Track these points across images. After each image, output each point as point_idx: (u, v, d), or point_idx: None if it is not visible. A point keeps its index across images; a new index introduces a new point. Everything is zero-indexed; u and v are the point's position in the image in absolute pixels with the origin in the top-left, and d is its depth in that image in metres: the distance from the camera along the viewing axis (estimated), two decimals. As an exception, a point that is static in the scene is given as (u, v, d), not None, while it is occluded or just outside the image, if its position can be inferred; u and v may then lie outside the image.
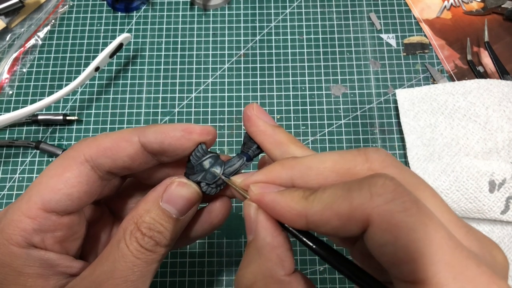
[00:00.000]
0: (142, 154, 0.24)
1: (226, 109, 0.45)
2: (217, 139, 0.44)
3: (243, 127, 0.45)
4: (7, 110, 0.46)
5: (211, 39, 0.48)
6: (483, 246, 0.18)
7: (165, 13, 0.50)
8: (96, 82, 0.47)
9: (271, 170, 0.21)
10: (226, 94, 0.46)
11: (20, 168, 0.44)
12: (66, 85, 0.45)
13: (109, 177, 0.25)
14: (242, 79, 0.47)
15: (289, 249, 0.20)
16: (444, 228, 0.17)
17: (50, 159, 0.44)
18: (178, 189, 0.24)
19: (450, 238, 0.16)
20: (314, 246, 0.19)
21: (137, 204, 0.24)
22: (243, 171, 0.25)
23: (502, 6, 0.47)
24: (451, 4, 0.49)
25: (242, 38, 0.48)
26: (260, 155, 0.26)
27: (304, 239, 0.19)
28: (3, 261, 0.22)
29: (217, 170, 0.25)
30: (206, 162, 0.25)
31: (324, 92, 0.46)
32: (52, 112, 0.45)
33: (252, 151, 0.25)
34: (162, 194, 0.24)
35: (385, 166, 0.19)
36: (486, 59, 0.46)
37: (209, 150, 0.25)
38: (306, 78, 0.46)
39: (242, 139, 0.28)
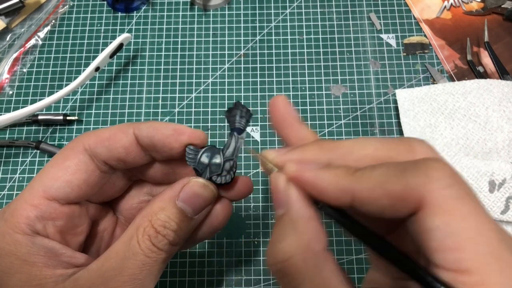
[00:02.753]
0: (135, 147, 0.24)
1: (226, 109, 0.45)
2: (217, 139, 0.44)
3: (243, 127, 0.45)
4: (7, 110, 0.46)
5: (211, 39, 0.49)
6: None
7: (165, 13, 0.50)
8: (96, 82, 0.47)
9: (308, 150, 0.20)
10: (226, 94, 0.46)
11: (20, 168, 0.44)
12: (66, 85, 0.45)
13: (107, 168, 0.25)
14: (242, 79, 0.47)
15: (321, 223, 0.19)
16: (493, 222, 0.16)
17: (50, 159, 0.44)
18: (196, 188, 0.24)
19: (498, 232, 0.16)
20: (347, 221, 0.18)
21: (152, 201, 0.24)
22: (242, 147, 0.25)
23: (502, 6, 0.47)
24: (451, 4, 0.49)
25: (242, 38, 0.48)
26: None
27: (337, 215, 0.19)
28: (8, 250, 0.22)
29: (217, 159, 0.25)
30: (204, 158, 0.25)
31: (324, 92, 0.46)
32: (52, 112, 0.45)
33: (238, 122, 0.25)
34: (179, 193, 0.24)
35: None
36: (486, 59, 0.46)
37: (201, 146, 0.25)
38: (306, 78, 0.46)
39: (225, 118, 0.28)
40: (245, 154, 0.40)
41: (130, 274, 0.21)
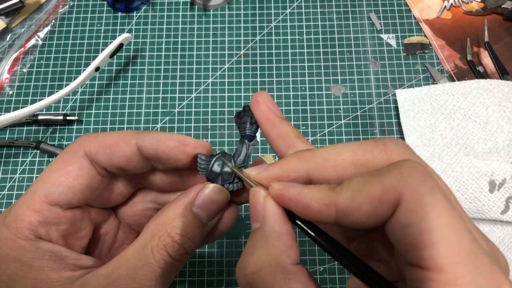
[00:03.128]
0: (137, 158, 0.24)
1: (226, 109, 0.45)
2: (218, 139, 0.44)
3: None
4: (7, 110, 0.46)
5: (211, 39, 0.49)
6: (488, 246, 0.18)
7: (165, 13, 0.50)
8: (96, 82, 0.47)
9: (286, 163, 0.20)
10: (226, 94, 0.46)
11: (20, 168, 0.44)
12: (66, 85, 0.45)
13: (106, 174, 0.25)
14: (242, 79, 0.47)
15: (294, 238, 0.19)
16: (466, 219, 0.17)
17: (50, 159, 0.44)
18: (212, 194, 0.24)
19: (470, 231, 0.16)
20: (317, 237, 0.19)
21: (166, 208, 0.24)
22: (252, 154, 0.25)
23: (502, 6, 0.47)
24: (451, 4, 0.49)
25: (242, 38, 0.48)
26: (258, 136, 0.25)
27: (308, 230, 0.19)
28: (13, 256, 0.21)
29: (228, 168, 0.24)
30: (215, 167, 0.25)
31: (324, 92, 0.46)
32: (52, 112, 0.45)
33: (249, 129, 0.25)
34: (195, 199, 0.23)
35: (405, 158, 0.19)
36: (486, 59, 0.46)
37: (212, 155, 0.25)
38: (306, 78, 0.46)
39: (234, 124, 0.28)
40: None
41: (141, 284, 0.21)
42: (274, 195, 0.20)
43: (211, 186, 0.24)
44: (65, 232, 0.23)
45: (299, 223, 0.19)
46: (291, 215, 0.19)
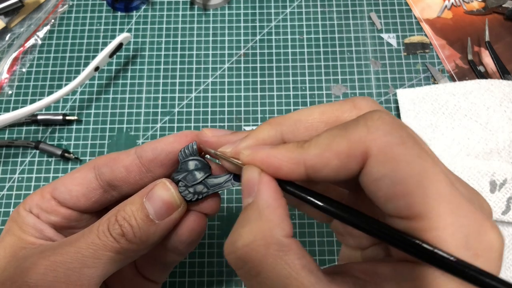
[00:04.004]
0: (136, 166, 0.25)
1: (226, 109, 0.45)
2: (217, 139, 0.44)
3: (243, 129, 0.45)
4: (7, 110, 0.46)
5: (211, 39, 0.48)
6: (470, 192, 0.18)
7: (165, 13, 0.50)
8: (96, 82, 0.47)
9: (259, 131, 0.21)
10: (226, 94, 0.46)
11: (19, 168, 0.44)
12: (65, 85, 0.45)
13: (110, 189, 0.26)
14: (242, 79, 0.46)
15: (288, 214, 0.19)
16: (441, 164, 0.16)
17: (50, 159, 0.44)
18: (157, 189, 0.24)
19: (446, 175, 0.16)
20: (317, 202, 0.19)
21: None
22: (225, 188, 0.24)
23: (503, 5, 0.47)
24: (452, 3, 0.49)
25: (242, 38, 0.48)
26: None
27: (304, 195, 0.19)
28: (13, 219, 0.26)
29: (199, 174, 0.24)
30: (191, 163, 0.24)
31: (324, 92, 0.46)
32: (51, 112, 0.45)
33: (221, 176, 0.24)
34: (149, 191, 0.24)
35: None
36: (487, 58, 0.46)
37: (201, 155, 0.25)
38: (306, 78, 0.46)
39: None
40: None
41: (77, 246, 0.22)
42: (245, 160, 0.20)
43: (160, 182, 0.24)
44: (56, 223, 0.26)
45: (291, 189, 0.19)
46: (282, 184, 0.19)
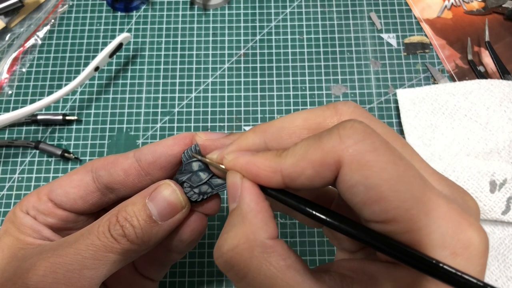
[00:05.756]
0: (135, 170, 0.25)
1: (226, 109, 0.45)
2: (217, 139, 0.44)
3: (243, 129, 0.45)
4: (7, 110, 0.46)
5: (211, 38, 0.48)
6: (454, 191, 0.18)
7: (165, 13, 0.50)
8: (96, 82, 0.47)
9: (244, 138, 0.21)
10: (226, 94, 0.46)
11: (19, 168, 0.44)
12: (65, 85, 0.45)
13: (107, 192, 0.26)
14: (242, 79, 0.46)
15: (272, 216, 0.20)
16: (414, 167, 0.17)
17: (50, 159, 0.44)
18: (162, 190, 0.24)
19: (421, 178, 0.17)
20: (295, 203, 0.19)
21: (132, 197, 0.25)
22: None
23: (503, 5, 0.47)
24: (452, 3, 0.49)
25: (242, 38, 0.48)
26: None
27: (285, 198, 0.19)
28: (9, 220, 0.26)
29: (204, 175, 0.24)
30: (195, 164, 0.24)
31: (324, 92, 0.46)
32: (51, 112, 0.45)
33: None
34: (152, 192, 0.24)
35: (355, 117, 0.19)
36: (487, 58, 0.46)
37: (204, 156, 0.25)
38: (306, 78, 0.46)
39: None
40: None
41: (77, 248, 0.22)
42: (228, 166, 0.21)
43: (164, 183, 0.24)
44: (53, 225, 0.25)
45: (271, 192, 0.20)
46: (264, 188, 0.20)
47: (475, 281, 0.14)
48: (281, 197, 0.20)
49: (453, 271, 0.14)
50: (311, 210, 0.18)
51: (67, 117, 0.44)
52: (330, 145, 0.17)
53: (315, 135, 0.18)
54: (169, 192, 0.24)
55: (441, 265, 0.15)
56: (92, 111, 0.46)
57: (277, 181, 0.19)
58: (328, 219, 0.18)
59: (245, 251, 0.18)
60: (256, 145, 0.21)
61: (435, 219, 0.16)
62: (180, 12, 0.50)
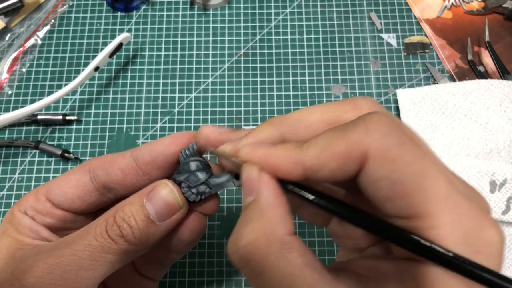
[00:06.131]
0: (132, 169, 0.25)
1: (226, 109, 0.45)
2: (217, 139, 0.44)
3: (243, 128, 0.45)
4: (7, 110, 0.46)
5: (211, 38, 0.48)
6: (468, 190, 0.18)
7: (165, 13, 0.50)
8: (96, 82, 0.47)
9: (260, 130, 0.21)
10: (226, 94, 0.46)
11: (19, 168, 0.44)
12: (65, 85, 0.45)
13: (105, 191, 0.26)
14: (242, 79, 0.46)
15: (289, 211, 0.19)
16: (439, 164, 0.17)
17: (50, 159, 0.44)
18: (159, 190, 0.24)
19: (445, 174, 0.16)
20: (314, 198, 0.19)
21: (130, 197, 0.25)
22: (227, 188, 0.24)
23: (503, 5, 0.47)
24: (452, 3, 0.49)
25: (242, 38, 0.48)
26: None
27: (304, 193, 0.19)
28: (7, 220, 0.25)
29: (202, 175, 0.24)
30: (193, 164, 0.24)
31: (324, 92, 0.46)
32: (51, 112, 0.45)
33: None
34: (149, 192, 0.24)
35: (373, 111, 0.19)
36: (487, 58, 0.46)
37: (202, 156, 0.25)
38: (306, 78, 0.46)
39: None
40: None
41: (74, 249, 0.22)
42: (245, 158, 0.20)
43: (161, 183, 0.24)
44: (51, 225, 0.25)
45: (291, 187, 0.19)
46: (283, 182, 0.19)
47: (499, 280, 0.14)
48: (300, 191, 0.19)
49: (482, 268, 0.14)
50: (333, 207, 0.18)
51: (67, 117, 0.44)
52: (356, 137, 0.17)
53: (338, 126, 0.18)
54: (166, 192, 0.23)
55: (467, 262, 0.15)
56: (92, 111, 0.46)
57: (298, 173, 0.18)
58: (350, 215, 0.18)
59: (263, 246, 0.17)
60: (272, 137, 0.20)
61: (458, 216, 0.16)
62: (180, 12, 0.50)
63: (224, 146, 0.22)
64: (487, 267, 0.15)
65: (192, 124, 0.45)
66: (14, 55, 0.48)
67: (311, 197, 0.19)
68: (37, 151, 0.44)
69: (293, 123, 0.20)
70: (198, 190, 0.24)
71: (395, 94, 0.45)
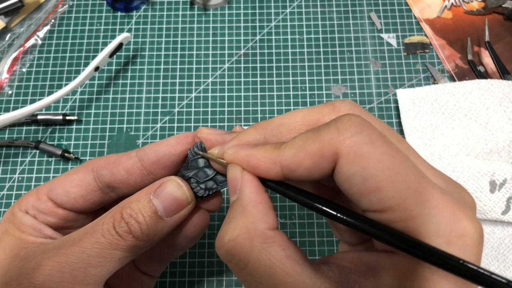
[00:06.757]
0: (137, 170, 0.25)
1: (226, 109, 0.45)
2: (217, 139, 0.44)
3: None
4: (7, 110, 0.46)
5: (211, 38, 0.48)
6: (449, 185, 0.19)
7: (165, 13, 0.50)
8: (96, 82, 0.47)
9: (245, 134, 0.22)
10: (226, 94, 0.46)
11: (19, 168, 0.44)
12: (65, 85, 0.45)
13: (108, 190, 0.26)
14: (242, 79, 0.47)
15: (271, 207, 0.20)
16: (410, 160, 0.17)
17: (50, 159, 0.44)
18: (169, 185, 0.24)
19: (416, 169, 0.17)
20: (294, 194, 0.20)
21: (136, 193, 0.25)
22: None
23: (503, 5, 0.47)
24: (452, 3, 0.49)
25: (242, 38, 0.48)
26: None
27: (284, 190, 0.20)
28: (8, 220, 0.26)
29: (210, 171, 0.24)
30: (201, 161, 0.25)
31: (324, 92, 0.46)
32: (51, 112, 0.45)
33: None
34: (156, 188, 0.24)
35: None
36: (487, 58, 0.46)
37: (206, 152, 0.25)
38: (306, 78, 0.46)
39: None
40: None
41: (82, 246, 0.22)
42: (228, 159, 0.21)
43: (170, 179, 0.24)
44: (53, 224, 0.26)
45: (270, 184, 0.20)
46: (264, 180, 0.21)
47: (470, 266, 0.14)
48: (281, 188, 0.20)
49: (448, 256, 0.15)
50: (309, 201, 0.19)
51: (67, 117, 0.44)
52: (328, 137, 0.18)
53: (313, 128, 0.19)
54: (175, 188, 0.24)
55: (439, 252, 0.15)
56: (92, 111, 0.46)
57: (276, 172, 0.19)
58: (325, 208, 0.18)
59: (246, 241, 0.18)
60: (256, 141, 0.21)
61: (430, 209, 0.16)
62: (180, 12, 0.50)
63: (213, 149, 0.23)
64: (453, 255, 0.15)
65: (192, 124, 0.45)
66: (14, 55, 0.48)
67: (289, 194, 0.20)
68: (37, 151, 0.44)
69: (276, 127, 0.21)
70: (206, 186, 0.25)
71: (395, 94, 0.45)
